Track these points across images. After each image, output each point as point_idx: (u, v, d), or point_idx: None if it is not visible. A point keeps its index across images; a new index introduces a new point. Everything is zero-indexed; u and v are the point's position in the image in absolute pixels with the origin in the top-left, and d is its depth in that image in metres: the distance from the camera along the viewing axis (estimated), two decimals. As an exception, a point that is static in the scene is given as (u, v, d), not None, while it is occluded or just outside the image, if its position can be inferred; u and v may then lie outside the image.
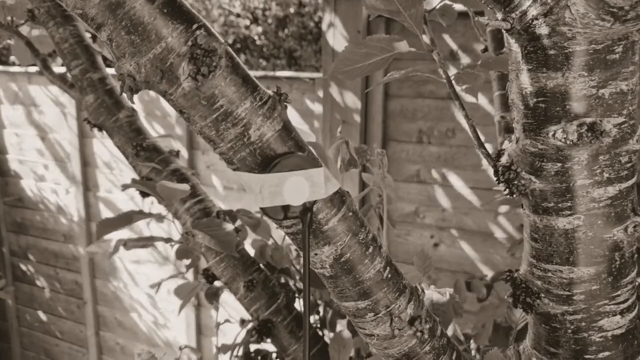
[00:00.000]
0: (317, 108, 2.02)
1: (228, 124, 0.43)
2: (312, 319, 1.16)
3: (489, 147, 0.60)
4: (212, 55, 0.41)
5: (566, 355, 0.53)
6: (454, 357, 0.58)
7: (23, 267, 3.16)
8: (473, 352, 1.06)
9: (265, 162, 0.45)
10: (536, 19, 0.41)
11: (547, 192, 0.48)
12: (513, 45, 0.45)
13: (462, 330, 1.10)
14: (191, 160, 2.36)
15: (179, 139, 2.34)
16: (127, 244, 1.04)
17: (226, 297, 1.68)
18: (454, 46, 1.76)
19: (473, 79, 0.70)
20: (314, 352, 1.08)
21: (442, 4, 0.73)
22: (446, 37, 1.76)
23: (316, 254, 0.49)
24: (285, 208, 0.46)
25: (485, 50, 0.96)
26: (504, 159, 0.50)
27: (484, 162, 1.67)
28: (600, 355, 0.52)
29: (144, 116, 2.43)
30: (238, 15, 4.10)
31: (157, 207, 1.08)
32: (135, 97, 2.43)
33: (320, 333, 1.15)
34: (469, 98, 0.74)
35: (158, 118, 2.42)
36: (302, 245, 0.47)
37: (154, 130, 2.42)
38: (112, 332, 2.89)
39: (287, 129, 0.45)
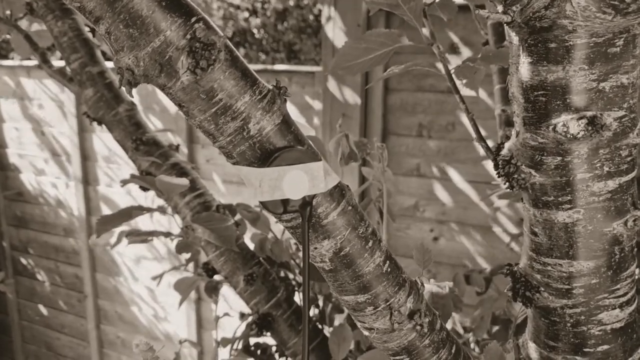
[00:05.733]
0: (317, 102, 2.02)
1: (227, 117, 0.43)
2: (312, 312, 1.17)
3: (489, 141, 0.60)
4: (211, 49, 0.40)
5: (565, 348, 0.53)
6: (453, 350, 0.58)
7: (23, 261, 3.16)
8: (472, 345, 1.06)
9: (265, 156, 0.44)
10: (537, 11, 0.41)
11: (547, 185, 0.48)
12: (514, 38, 0.45)
13: (462, 323, 1.10)
14: (191, 154, 2.36)
15: (178, 133, 2.34)
16: (128, 236, 1.04)
17: (226, 290, 1.68)
18: (454, 39, 1.76)
19: (473, 73, 0.70)
20: (313, 345, 1.08)
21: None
22: (446, 30, 1.76)
23: (316, 248, 0.49)
24: (285, 202, 0.46)
25: (486, 43, 0.96)
26: (504, 153, 0.50)
27: (484, 156, 1.67)
28: (599, 348, 0.52)
29: (142, 109, 2.42)
30: (237, 7, 4.09)
31: (158, 200, 1.09)
32: (134, 91, 2.42)
33: (320, 327, 1.15)
34: (469, 91, 0.73)
35: (156, 112, 2.41)
36: (301, 239, 0.47)
37: (151, 123, 2.42)
38: (113, 326, 2.90)
39: (286, 123, 0.45)
